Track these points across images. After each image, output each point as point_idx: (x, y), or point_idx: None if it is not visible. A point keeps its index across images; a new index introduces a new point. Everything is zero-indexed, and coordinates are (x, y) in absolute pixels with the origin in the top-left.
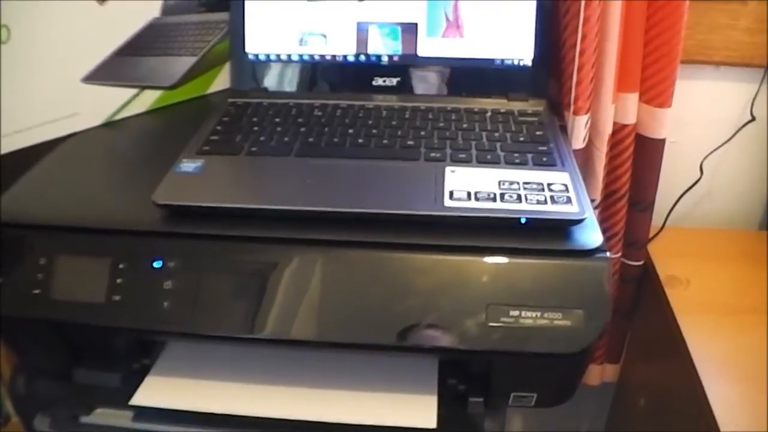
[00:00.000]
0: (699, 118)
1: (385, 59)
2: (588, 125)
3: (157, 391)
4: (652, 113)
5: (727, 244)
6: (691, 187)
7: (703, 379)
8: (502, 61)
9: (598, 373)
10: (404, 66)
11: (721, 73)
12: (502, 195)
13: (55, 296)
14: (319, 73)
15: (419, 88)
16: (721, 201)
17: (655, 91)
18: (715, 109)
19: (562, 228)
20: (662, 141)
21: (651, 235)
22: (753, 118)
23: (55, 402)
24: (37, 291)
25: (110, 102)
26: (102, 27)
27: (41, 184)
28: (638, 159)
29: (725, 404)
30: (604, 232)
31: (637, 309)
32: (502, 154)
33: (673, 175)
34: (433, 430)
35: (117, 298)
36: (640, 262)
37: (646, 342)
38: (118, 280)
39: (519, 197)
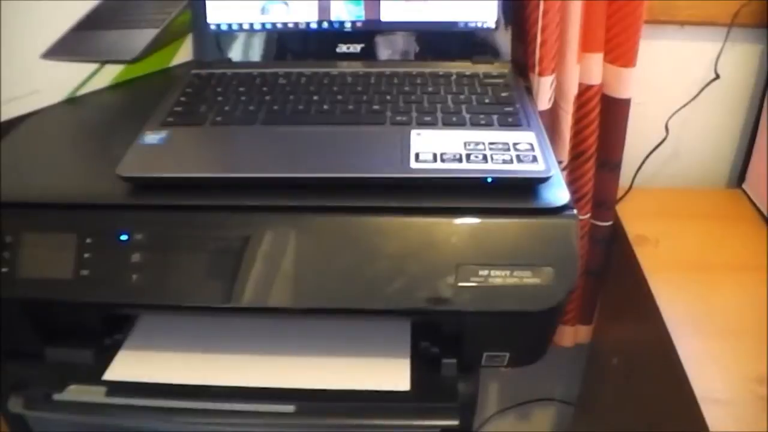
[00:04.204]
0: (664, 77)
1: (348, 25)
2: (553, 86)
3: (130, 366)
4: (617, 73)
5: (695, 203)
6: (657, 147)
7: (673, 336)
8: (466, 24)
9: (571, 335)
10: (368, 32)
11: (685, 33)
12: (467, 155)
13: (23, 274)
14: (283, 42)
15: (383, 53)
16: (687, 160)
17: (619, 50)
18: (679, 68)
19: (529, 186)
20: (628, 101)
21: (619, 196)
22: (717, 76)
23: (27, 382)
24: (4, 269)
25: (71, 78)
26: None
27: (4, 163)
28: (605, 119)
29: (696, 360)
30: (572, 193)
31: (607, 270)
32: (467, 115)
33: (639, 135)
34: (406, 392)
35: (85, 273)
36: (609, 223)
37: (617, 302)
38: (86, 255)
39: (485, 157)
